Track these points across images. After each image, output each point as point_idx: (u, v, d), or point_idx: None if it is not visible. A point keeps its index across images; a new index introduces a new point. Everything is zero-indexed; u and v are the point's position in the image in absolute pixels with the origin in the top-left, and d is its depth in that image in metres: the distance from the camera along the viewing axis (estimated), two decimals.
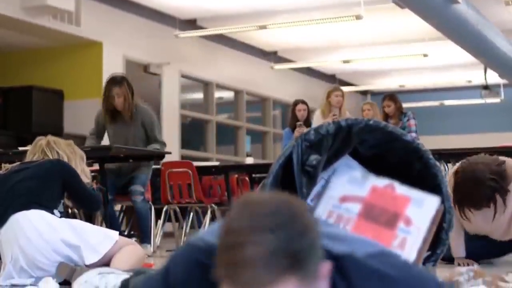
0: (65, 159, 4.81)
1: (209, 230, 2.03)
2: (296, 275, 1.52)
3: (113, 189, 7.34)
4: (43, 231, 4.36)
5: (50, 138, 4.93)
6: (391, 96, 9.70)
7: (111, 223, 6.85)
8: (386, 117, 9.47)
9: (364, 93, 21.23)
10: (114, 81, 7.36)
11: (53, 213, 4.52)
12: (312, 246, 1.56)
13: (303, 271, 1.53)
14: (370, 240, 1.94)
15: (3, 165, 4.96)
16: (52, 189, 4.62)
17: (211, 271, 1.60)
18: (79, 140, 11.40)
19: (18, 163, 4.85)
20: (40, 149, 4.85)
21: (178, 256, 2.00)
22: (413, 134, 8.97)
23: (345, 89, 18.83)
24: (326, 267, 1.60)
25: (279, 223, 1.53)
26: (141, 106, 7.50)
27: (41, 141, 4.91)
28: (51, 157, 4.78)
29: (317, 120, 9.18)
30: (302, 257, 1.53)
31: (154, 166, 8.41)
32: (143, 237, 7.30)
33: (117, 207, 9.55)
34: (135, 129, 7.43)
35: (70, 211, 7.95)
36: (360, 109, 10.13)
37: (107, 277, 3.42)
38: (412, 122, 9.31)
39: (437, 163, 3.16)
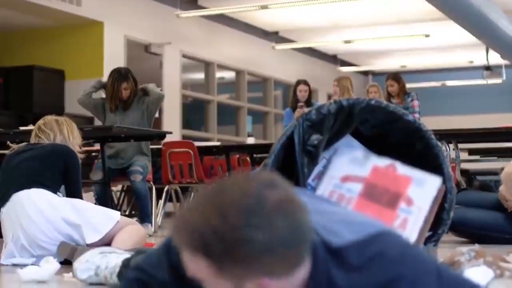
0: (57, 136, 4.81)
1: None
2: (209, 260, 1.55)
3: (111, 173, 7.37)
4: (44, 210, 4.38)
5: (41, 121, 4.95)
6: (395, 75, 9.64)
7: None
8: (389, 96, 9.42)
9: (366, 73, 21.21)
10: (121, 75, 7.53)
11: (55, 193, 4.54)
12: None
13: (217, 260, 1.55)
14: (370, 220, 1.92)
15: (8, 143, 4.98)
16: (54, 171, 4.63)
17: None
18: (80, 119, 11.43)
19: (24, 143, 4.87)
20: (34, 134, 4.88)
21: None
22: (416, 115, 8.94)
23: (346, 69, 18.90)
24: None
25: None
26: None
27: (35, 126, 4.95)
28: (45, 139, 4.80)
29: None
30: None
31: (155, 146, 8.42)
32: (143, 217, 7.32)
33: (118, 187, 9.57)
34: (134, 116, 7.52)
35: None
36: (366, 91, 10.09)
37: (109, 256, 3.42)
38: (416, 103, 9.27)
39: (439, 143, 3.15)
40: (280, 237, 1.54)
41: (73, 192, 4.74)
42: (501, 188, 6.04)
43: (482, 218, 5.99)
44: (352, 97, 9.38)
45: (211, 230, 1.52)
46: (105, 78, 7.80)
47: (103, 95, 7.83)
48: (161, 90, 7.90)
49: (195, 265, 1.58)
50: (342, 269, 1.71)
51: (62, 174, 4.68)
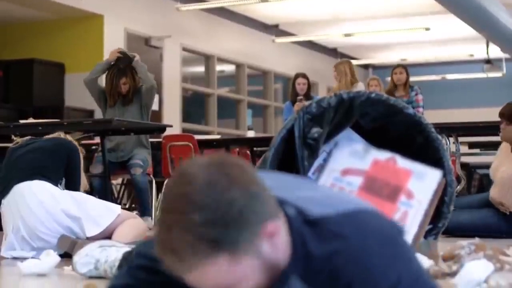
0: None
1: None
2: (225, 250, 1.54)
3: (111, 167, 7.36)
4: (44, 201, 4.38)
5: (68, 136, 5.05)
6: (403, 65, 9.65)
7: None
8: (393, 88, 9.34)
9: (366, 67, 21.19)
10: (119, 70, 7.51)
11: (56, 186, 4.55)
12: (243, 213, 1.55)
13: (233, 244, 1.54)
14: (355, 199, 1.91)
15: (13, 137, 5.00)
16: (57, 164, 4.66)
17: None
18: (80, 112, 11.42)
19: (28, 137, 4.90)
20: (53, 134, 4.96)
21: None
22: (420, 109, 8.89)
23: None
24: (271, 227, 1.60)
25: (206, 202, 1.53)
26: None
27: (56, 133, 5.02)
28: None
29: None
30: (230, 232, 1.54)
31: (155, 140, 8.41)
32: (143, 210, 7.32)
33: (118, 180, 9.56)
34: (133, 111, 7.50)
35: None
36: (366, 84, 10.06)
37: (108, 250, 3.42)
38: (420, 97, 9.23)
39: (439, 137, 3.16)
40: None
41: (73, 186, 4.75)
42: (494, 192, 6.00)
43: (476, 220, 5.98)
44: (357, 80, 9.39)
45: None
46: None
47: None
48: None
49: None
50: (318, 239, 1.70)
51: (64, 167, 4.69)
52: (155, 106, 11.51)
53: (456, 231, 5.65)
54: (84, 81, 7.62)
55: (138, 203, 7.68)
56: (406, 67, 9.50)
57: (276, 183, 1.81)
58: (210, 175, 1.57)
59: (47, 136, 4.87)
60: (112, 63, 7.57)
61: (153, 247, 2.04)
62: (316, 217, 1.73)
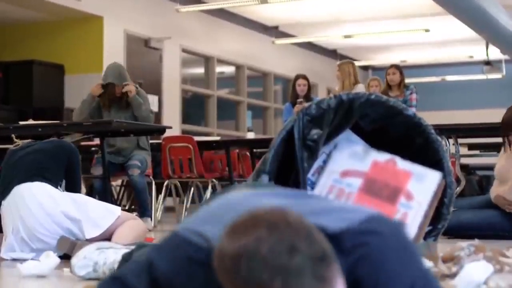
0: None
1: (200, 220, 1.96)
2: (332, 259, 1.56)
3: (111, 168, 7.36)
4: (43, 202, 4.38)
5: None
6: (397, 65, 9.60)
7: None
8: (388, 88, 9.32)
9: (366, 68, 21.20)
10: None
11: (56, 188, 4.55)
12: (310, 226, 1.58)
13: (328, 251, 1.57)
14: (360, 207, 1.94)
15: (14, 138, 5.01)
16: (57, 165, 4.67)
17: (213, 271, 1.59)
18: None
19: (29, 140, 4.92)
20: None
21: (166, 251, 1.92)
22: (413, 109, 8.85)
23: None
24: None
25: (287, 242, 1.53)
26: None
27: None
28: None
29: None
30: (321, 243, 1.56)
31: (155, 141, 8.42)
32: (142, 211, 7.32)
33: (118, 182, 9.56)
34: (129, 115, 7.50)
35: None
36: (367, 84, 10.04)
37: (106, 252, 3.42)
38: (414, 96, 9.21)
39: (439, 138, 3.16)
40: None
41: (73, 188, 4.76)
42: (502, 190, 5.97)
43: (479, 219, 5.98)
44: (358, 82, 9.36)
45: None
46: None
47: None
48: (151, 112, 7.71)
49: None
50: (342, 253, 1.72)
51: (64, 168, 4.70)
52: (154, 108, 11.53)
53: (459, 231, 5.66)
54: (76, 121, 7.57)
55: (137, 204, 7.69)
56: (399, 67, 9.46)
57: (287, 201, 1.83)
58: (261, 230, 1.55)
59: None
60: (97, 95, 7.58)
61: (133, 273, 2.02)
62: (335, 232, 1.75)
